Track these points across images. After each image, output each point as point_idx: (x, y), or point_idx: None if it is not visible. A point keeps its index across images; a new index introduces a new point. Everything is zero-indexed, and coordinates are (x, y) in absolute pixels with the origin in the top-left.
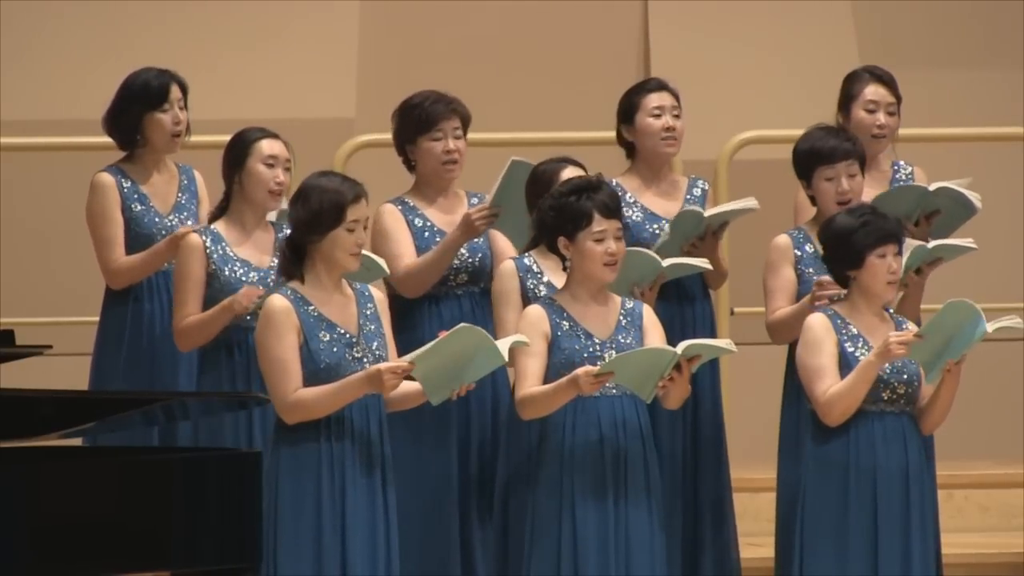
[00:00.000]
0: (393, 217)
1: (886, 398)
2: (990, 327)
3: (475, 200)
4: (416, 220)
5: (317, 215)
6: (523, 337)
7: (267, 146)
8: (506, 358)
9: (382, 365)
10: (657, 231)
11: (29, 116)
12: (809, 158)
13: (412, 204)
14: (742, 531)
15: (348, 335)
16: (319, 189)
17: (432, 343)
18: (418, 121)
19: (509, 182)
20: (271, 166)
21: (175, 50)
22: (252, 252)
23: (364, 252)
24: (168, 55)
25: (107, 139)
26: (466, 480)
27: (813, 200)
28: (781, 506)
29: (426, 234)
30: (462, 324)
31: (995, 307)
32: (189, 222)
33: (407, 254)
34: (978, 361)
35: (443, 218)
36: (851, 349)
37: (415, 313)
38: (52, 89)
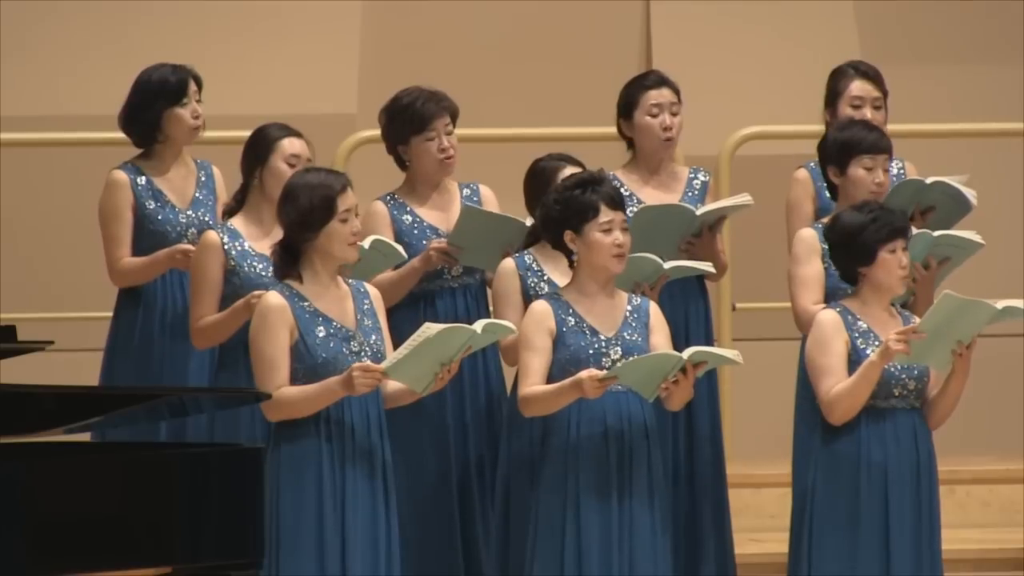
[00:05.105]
0: (379, 220)
1: (897, 394)
2: (999, 305)
3: (467, 191)
4: (406, 217)
5: (308, 213)
6: (504, 322)
7: (289, 145)
8: (479, 331)
9: (356, 364)
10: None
11: (30, 112)
12: (848, 146)
13: (402, 201)
14: (745, 527)
15: (345, 329)
16: (305, 187)
17: (404, 350)
18: (411, 121)
19: (464, 225)
20: (292, 166)
21: (177, 46)
22: (270, 247)
23: (380, 238)
24: (170, 51)
25: (107, 135)
26: (465, 478)
27: (832, 191)
28: (795, 503)
29: (415, 231)
30: (428, 326)
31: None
32: (206, 217)
33: None
34: (980, 356)
35: (434, 215)
36: (862, 345)
37: (409, 310)
38: (53, 85)
